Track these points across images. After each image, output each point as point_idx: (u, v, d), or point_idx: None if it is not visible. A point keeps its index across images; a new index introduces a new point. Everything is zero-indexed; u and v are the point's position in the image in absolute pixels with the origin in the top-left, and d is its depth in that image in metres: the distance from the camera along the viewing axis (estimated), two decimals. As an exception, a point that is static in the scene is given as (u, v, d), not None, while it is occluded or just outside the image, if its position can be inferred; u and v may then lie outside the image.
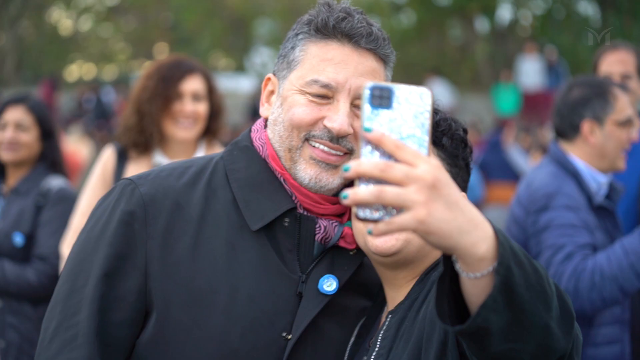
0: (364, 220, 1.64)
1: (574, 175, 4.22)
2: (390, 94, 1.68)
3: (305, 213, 2.35)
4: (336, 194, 2.37)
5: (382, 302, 2.41)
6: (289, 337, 2.27)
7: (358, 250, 2.39)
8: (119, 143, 4.73)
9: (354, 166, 1.62)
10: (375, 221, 1.64)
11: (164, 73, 4.64)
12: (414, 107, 1.68)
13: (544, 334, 1.76)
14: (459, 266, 1.72)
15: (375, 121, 1.67)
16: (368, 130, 1.66)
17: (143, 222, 2.29)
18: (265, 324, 2.27)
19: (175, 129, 4.63)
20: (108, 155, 4.72)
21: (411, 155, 1.62)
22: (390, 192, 1.59)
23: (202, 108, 4.66)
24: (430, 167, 1.61)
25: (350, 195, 1.61)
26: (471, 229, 1.65)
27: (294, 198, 2.34)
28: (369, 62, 2.32)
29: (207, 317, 2.25)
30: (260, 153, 2.40)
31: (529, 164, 14.25)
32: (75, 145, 16.75)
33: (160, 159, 4.62)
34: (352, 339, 2.38)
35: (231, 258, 2.29)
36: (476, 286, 1.71)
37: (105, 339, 2.25)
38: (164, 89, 4.60)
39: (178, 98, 4.62)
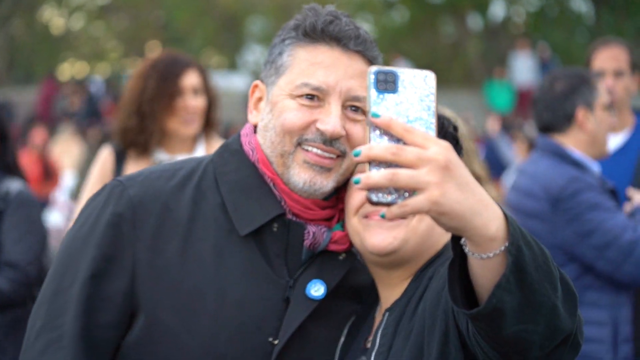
0: (377, 204, 1.65)
1: (575, 165, 4.27)
2: (395, 78, 1.69)
3: (294, 218, 2.33)
4: (327, 198, 2.36)
5: (373, 301, 2.40)
6: (276, 342, 2.26)
7: (347, 254, 2.38)
8: (116, 144, 4.71)
9: (364, 150, 1.64)
10: (388, 204, 1.65)
11: (161, 71, 4.63)
12: (419, 90, 1.69)
13: (552, 315, 1.78)
14: (468, 249, 1.74)
15: (381, 105, 1.68)
16: (376, 115, 1.66)
17: (131, 224, 2.27)
18: (252, 329, 2.25)
19: (179, 126, 4.64)
20: (106, 155, 4.70)
21: (421, 138, 1.64)
22: (403, 174, 1.61)
23: (202, 102, 4.69)
24: (442, 148, 1.63)
25: (363, 179, 1.63)
26: (482, 209, 1.67)
27: (283, 203, 2.32)
28: (358, 65, 2.30)
29: (195, 321, 2.23)
30: (250, 157, 2.37)
31: (515, 156, 14.41)
32: (66, 143, 16.68)
33: (162, 156, 4.61)
34: (342, 339, 2.37)
35: (219, 262, 2.27)
36: (486, 268, 1.73)
37: (91, 340, 2.23)
38: (165, 87, 4.59)
39: (179, 94, 4.62)
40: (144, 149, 4.62)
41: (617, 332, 4.18)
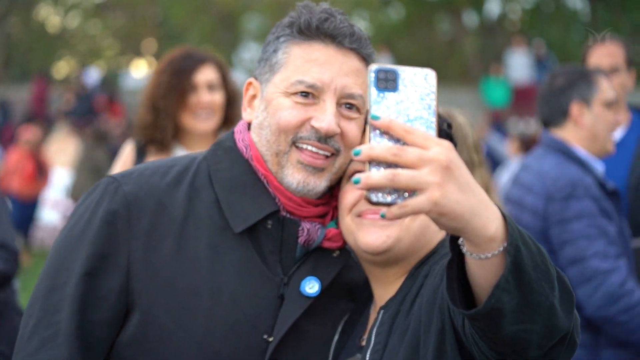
0: (377, 204, 1.64)
1: (579, 163, 4.27)
2: (396, 76, 1.68)
3: (288, 216, 2.33)
4: (320, 196, 2.35)
5: (367, 299, 2.40)
6: (270, 339, 2.26)
7: (341, 251, 2.38)
8: (137, 140, 4.72)
9: (365, 150, 1.63)
10: (387, 205, 1.63)
11: (175, 66, 4.62)
12: (419, 88, 1.68)
13: (550, 314, 1.78)
14: (466, 249, 1.73)
15: (382, 104, 1.66)
16: (375, 117, 1.65)
17: (126, 221, 2.27)
18: (246, 326, 2.25)
19: (194, 122, 4.62)
20: (128, 151, 4.72)
21: (422, 138, 1.63)
22: (404, 175, 1.60)
23: (218, 97, 4.65)
24: (443, 148, 1.63)
25: (363, 179, 1.61)
26: (482, 210, 1.67)
27: (277, 200, 2.32)
28: (352, 62, 2.30)
29: (190, 319, 2.23)
30: (244, 154, 2.37)
31: (508, 151, 14.45)
32: (62, 142, 16.64)
33: (180, 152, 4.59)
34: (337, 337, 2.36)
35: (214, 260, 2.27)
36: (484, 268, 1.73)
37: (85, 338, 2.23)
38: (178, 83, 4.58)
39: (193, 90, 4.59)
40: (163, 145, 4.62)
41: (598, 337, 4.16)
